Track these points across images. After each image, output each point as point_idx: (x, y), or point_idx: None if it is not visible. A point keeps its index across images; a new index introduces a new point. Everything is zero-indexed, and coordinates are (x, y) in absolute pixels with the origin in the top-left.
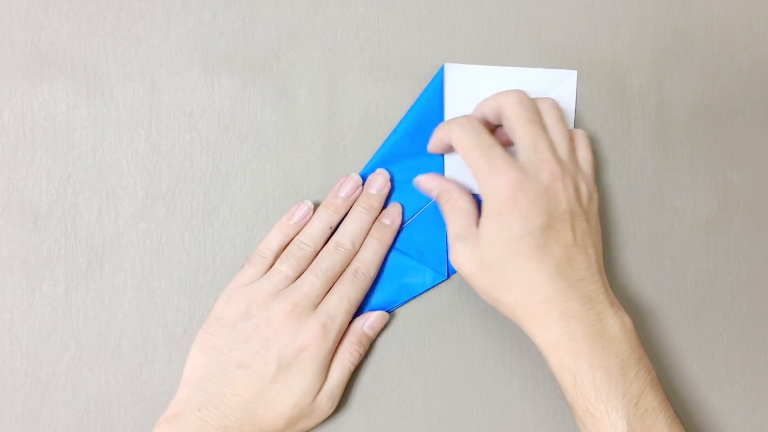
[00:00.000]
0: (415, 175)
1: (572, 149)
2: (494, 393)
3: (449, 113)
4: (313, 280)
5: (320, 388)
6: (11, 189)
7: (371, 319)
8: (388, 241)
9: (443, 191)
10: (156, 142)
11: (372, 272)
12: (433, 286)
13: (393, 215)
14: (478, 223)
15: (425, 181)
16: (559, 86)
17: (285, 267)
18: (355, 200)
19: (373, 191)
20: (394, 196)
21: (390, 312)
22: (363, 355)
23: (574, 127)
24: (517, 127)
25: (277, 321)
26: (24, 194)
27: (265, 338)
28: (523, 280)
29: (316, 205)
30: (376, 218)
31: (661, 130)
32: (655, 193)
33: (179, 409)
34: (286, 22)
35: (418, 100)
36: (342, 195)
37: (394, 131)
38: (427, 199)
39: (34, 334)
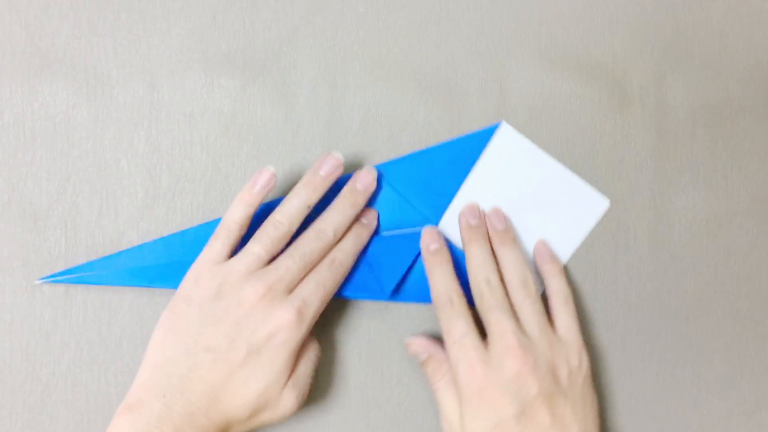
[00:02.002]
0: (422, 196)
1: (546, 323)
2: None
3: (481, 165)
4: (289, 264)
5: (288, 378)
6: (11, 189)
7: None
8: (365, 240)
9: (432, 360)
10: (156, 142)
11: (348, 264)
12: (371, 300)
13: (370, 218)
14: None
15: (414, 344)
16: (585, 205)
17: (258, 247)
18: (335, 179)
19: (360, 187)
20: (389, 206)
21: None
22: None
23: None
24: (482, 314)
25: (248, 303)
26: (24, 194)
27: (236, 321)
28: None
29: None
30: (359, 215)
31: (661, 130)
32: (655, 193)
33: (141, 395)
34: (286, 22)
35: (461, 138)
36: (321, 173)
37: (423, 150)
38: (418, 224)
39: (34, 334)
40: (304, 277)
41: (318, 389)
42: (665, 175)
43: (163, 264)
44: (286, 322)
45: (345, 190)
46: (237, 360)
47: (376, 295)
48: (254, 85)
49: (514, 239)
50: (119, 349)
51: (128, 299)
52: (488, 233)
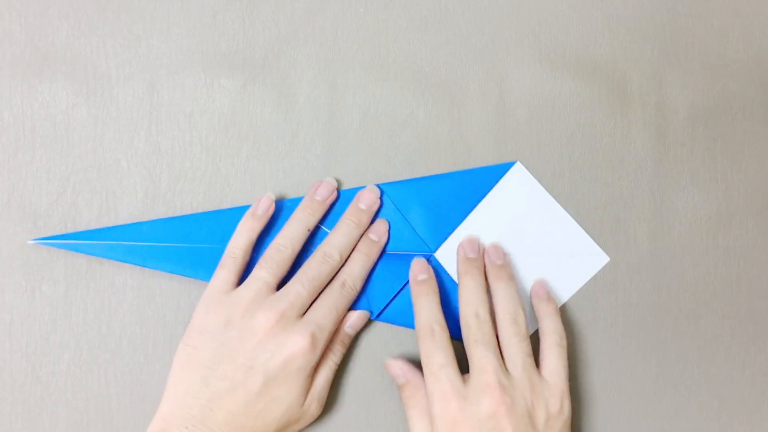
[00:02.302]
0: (425, 222)
1: (531, 364)
2: None
3: (489, 200)
4: (299, 289)
5: (306, 396)
6: (11, 189)
7: (352, 319)
8: (374, 257)
9: (409, 385)
10: (156, 142)
11: (358, 286)
12: None
13: (380, 232)
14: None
15: (393, 367)
16: (585, 258)
17: (265, 273)
18: (332, 203)
19: (363, 206)
20: (391, 226)
21: None
22: (344, 355)
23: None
24: (467, 347)
25: (262, 331)
26: (24, 194)
27: (251, 350)
28: None
29: (279, 198)
30: (363, 234)
31: (661, 130)
32: (655, 193)
33: (164, 425)
34: (286, 22)
35: (473, 170)
36: (318, 198)
37: (433, 176)
38: (416, 248)
39: (34, 334)
40: (315, 300)
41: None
42: (665, 175)
43: (159, 246)
44: (300, 347)
45: (348, 211)
46: (255, 388)
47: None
48: (254, 85)
49: (511, 276)
50: (119, 349)
51: (128, 299)
52: (485, 268)
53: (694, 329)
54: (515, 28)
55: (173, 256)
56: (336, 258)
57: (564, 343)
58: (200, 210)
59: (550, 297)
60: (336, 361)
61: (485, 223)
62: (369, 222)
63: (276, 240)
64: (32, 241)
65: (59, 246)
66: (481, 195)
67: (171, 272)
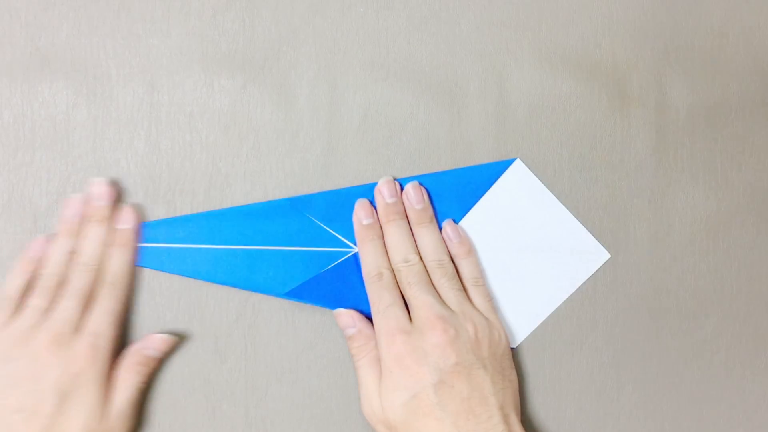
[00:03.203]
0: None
1: (465, 299)
2: None
3: (488, 197)
4: (67, 305)
5: (107, 408)
6: (11, 189)
7: (154, 341)
8: (130, 242)
9: (360, 335)
10: (156, 142)
11: (122, 279)
12: (367, 313)
13: (126, 217)
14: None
15: (344, 316)
16: (586, 255)
17: (36, 300)
18: (85, 216)
19: (95, 204)
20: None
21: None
22: (151, 373)
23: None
24: (403, 291)
25: (42, 354)
26: (24, 194)
27: (35, 376)
28: None
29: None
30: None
31: (661, 130)
32: (655, 193)
33: None
34: (286, 22)
35: (472, 167)
36: (68, 216)
37: (433, 174)
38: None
39: None
40: (88, 309)
41: (318, 389)
42: (665, 175)
43: (159, 246)
44: (84, 359)
45: (86, 216)
46: (49, 410)
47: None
48: (254, 85)
49: (432, 218)
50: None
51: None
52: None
53: (694, 329)
54: (515, 28)
55: (173, 257)
56: (90, 263)
57: (481, 281)
58: (200, 210)
59: (462, 239)
60: (138, 381)
61: (485, 220)
62: (108, 215)
63: (41, 270)
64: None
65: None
66: (481, 192)
67: (171, 273)
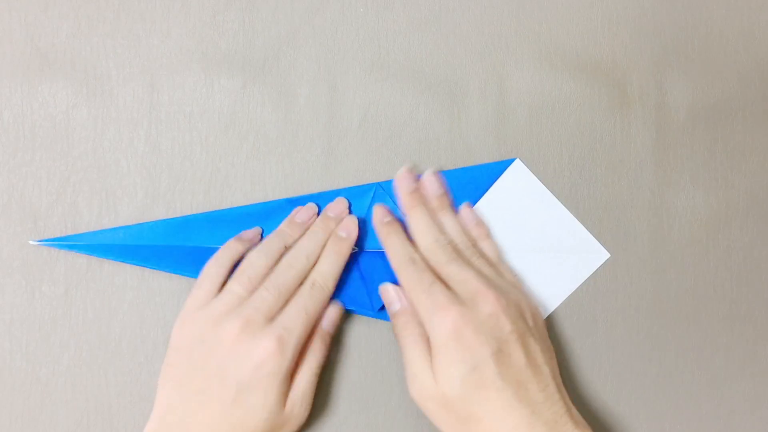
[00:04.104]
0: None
1: (499, 273)
2: None
3: (488, 197)
4: (264, 295)
5: (287, 400)
6: (11, 189)
7: (327, 315)
8: (345, 253)
9: (405, 311)
10: (156, 142)
11: (330, 284)
12: (359, 313)
13: (349, 228)
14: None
15: (390, 290)
16: (586, 254)
17: (236, 286)
18: (310, 224)
19: (331, 215)
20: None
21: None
22: (327, 353)
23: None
24: (439, 271)
25: (228, 340)
26: (24, 194)
27: (220, 360)
28: (488, 411)
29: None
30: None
31: (661, 130)
32: (655, 193)
33: None
34: (286, 22)
35: (472, 167)
36: (298, 220)
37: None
38: None
39: (34, 334)
40: (285, 304)
41: (318, 389)
42: (665, 175)
43: (159, 246)
44: (269, 352)
45: (318, 220)
46: (229, 398)
47: (364, 309)
48: (254, 85)
49: (451, 204)
50: (119, 349)
51: (128, 299)
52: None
53: (694, 329)
54: (515, 28)
55: (173, 256)
56: (302, 261)
57: (503, 260)
58: (200, 210)
59: (479, 221)
60: (318, 361)
61: (485, 220)
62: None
63: (250, 254)
64: (33, 242)
65: (60, 247)
66: (481, 192)
67: (171, 272)
